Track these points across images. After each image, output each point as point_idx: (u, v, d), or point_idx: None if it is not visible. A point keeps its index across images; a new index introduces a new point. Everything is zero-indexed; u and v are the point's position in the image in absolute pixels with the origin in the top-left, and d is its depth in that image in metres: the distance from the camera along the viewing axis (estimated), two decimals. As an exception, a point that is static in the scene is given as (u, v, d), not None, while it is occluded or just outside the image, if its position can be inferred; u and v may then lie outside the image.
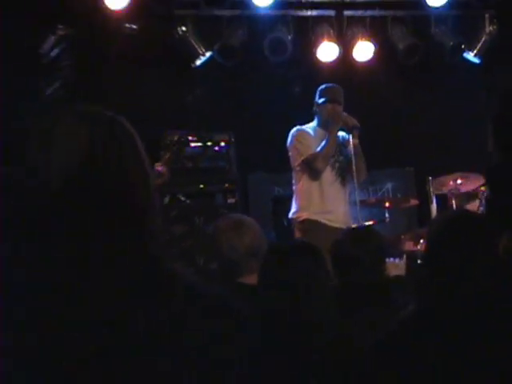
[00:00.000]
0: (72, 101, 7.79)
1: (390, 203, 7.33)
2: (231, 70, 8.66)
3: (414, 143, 8.81)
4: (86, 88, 8.22)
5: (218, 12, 8.48)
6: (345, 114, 6.44)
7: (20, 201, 1.65)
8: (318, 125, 6.53)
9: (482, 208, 7.07)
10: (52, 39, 8.19)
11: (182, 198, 7.68)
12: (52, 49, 8.22)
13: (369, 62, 8.61)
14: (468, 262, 2.67)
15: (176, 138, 7.41)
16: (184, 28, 8.42)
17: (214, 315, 1.64)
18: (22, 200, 1.65)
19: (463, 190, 7.34)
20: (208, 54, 8.52)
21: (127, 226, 1.64)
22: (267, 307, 3.04)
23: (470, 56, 8.67)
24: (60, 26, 8.10)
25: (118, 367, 1.53)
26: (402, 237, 7.30)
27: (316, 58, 8.53)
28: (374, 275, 3.99)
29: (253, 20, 8.56)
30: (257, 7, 8.33)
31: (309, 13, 8.65)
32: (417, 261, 6.78)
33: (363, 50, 8.56)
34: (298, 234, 6.35)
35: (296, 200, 6.48)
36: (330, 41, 8.48)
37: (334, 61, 8.53)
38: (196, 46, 8.51)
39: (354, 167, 6.36)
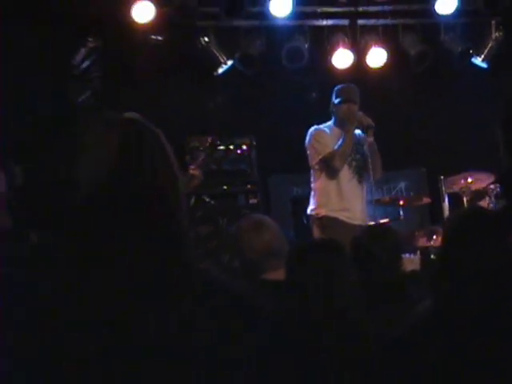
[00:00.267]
0: (101, 108, 7.81)
1: (404, 202, 7.28)
2: (251, 77, 8.65)
3: (426, 145, 8.78)
4: (115, 96, 8.23)
5: (237, 23, 8.47)
6: (360, 113, 6.36)
7: (52, 204, 1.64)
8: (335, 124, 6.45)
9: (491, 205, 7.04)
10: (83, 51, 8.23)
11: (207, 199, 7.67)
12: (83, 60, 8.25)
13: (382, 68, 8.56)
14: (482, 257, 2.62)
15: (209, 141, 7.43)
16: (206, 38, 8.41)
17: (240, 312, 1.61)
18: (54, 204, 1.63)
19: (473, 188, 7.29)
20: (229, 63, 8.50)
21: (156, 228, 1.61)
22: (291, 304, 3.00)
23: (478, 61, 8.60)
24: (90, 39, 8.13)
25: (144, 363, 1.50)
26: (416, 233, 7.26)
27: (331, 65, 8.50)
28: (391, 271, 3.96)
29: (271, 30, 8.54)
30: (275, 18, 8.30)
31: (324, 22, 8.62)
32: (430, 256, 6.74)
33: (376, 57, 8.51)
34: (316, 230, 6.27)
35: (314, 197, 6.40)
36: (344, 48, 8.45)
37: (349, 67, 8.49)
38: (218, 56, 8.49)
39: (369, 165, 6.28)
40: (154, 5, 7.97)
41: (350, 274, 3.27)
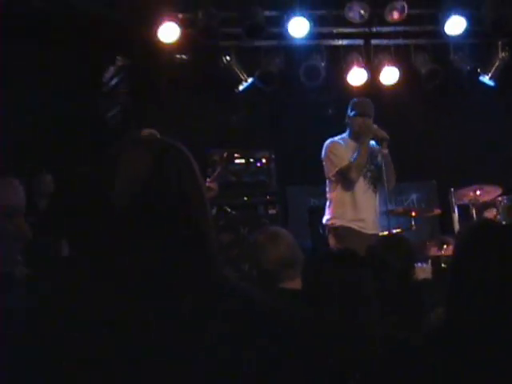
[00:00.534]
0: (129, 123, 7.83)
1: (416, 213, 7.22)
2: (270, 94, 8.66)
3: (437, 158, 8.75)
4: (142, 112, 8.26)
5: (258, 43, 8.47)
6: (375, 126, 6.26)
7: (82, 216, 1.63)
8: (350, 136, 6.34)
9: (499, 216, 7.02)
10: (112, 69, 8.26)
11: (228, 210, 7.65)
12: (112, 78, 8.29)
13: (394, 85, 8.54)
14: (492, 269, 2.56)
15: (224, 156, 7.41)
16: (228, 57, 8.44)
17: (258, 318, 1.59)
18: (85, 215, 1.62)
19: (482, 200, 7.27)
20: (249, 81, 8.50)
21: (186, 241, 1.59)
22: (307, 313, 2.95)
23: (486, 79, 8.56)
24: (119, 58, 8.16)
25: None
26: (427, 243, 7.22)
27: (347, 82, 8.48)
28: (404, 280, 3.91)
29: (289, 49, 8.55)
30: (293, 38, 8.30)
31: (340, 42, 8.62)
32: (441, 265, 6.69)
33: (389, 75, 8.50)
34: (332, 240, 6.18)
35: (330, 207, 6.30)
36: (359, 67, 8.44)
37: (363, 85, 8.47)
38: (239, 74, 8.51)
39: (384, 176, 6.19)
40: (179, 26, 8.00)
41: (365, 283, 3.22)
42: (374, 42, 8.62)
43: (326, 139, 6.49)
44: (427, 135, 8.75)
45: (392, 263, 3.89)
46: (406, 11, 8.13)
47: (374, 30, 8.50)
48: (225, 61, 8.46)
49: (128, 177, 1.60)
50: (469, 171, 8.17)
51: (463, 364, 2.36)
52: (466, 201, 7.35)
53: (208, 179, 6.15)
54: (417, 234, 7.42)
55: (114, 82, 8.43)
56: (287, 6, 8.15)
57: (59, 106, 7.74)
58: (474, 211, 7.18)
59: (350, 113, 6.29)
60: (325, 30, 8.50)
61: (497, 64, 8.54)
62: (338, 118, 6.77)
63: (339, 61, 8.56)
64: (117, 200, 1.57)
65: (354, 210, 6.13)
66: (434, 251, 7.06)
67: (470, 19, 8.21)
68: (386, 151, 6.23)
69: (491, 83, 8.58)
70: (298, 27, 8.16)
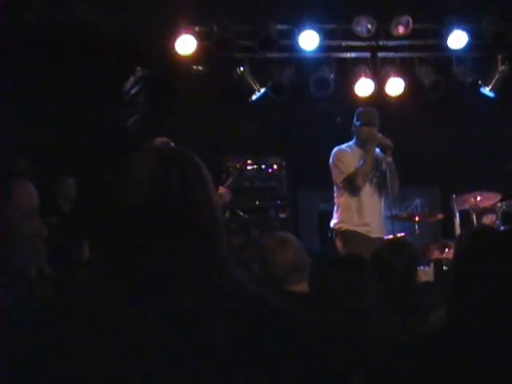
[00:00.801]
0: (147, 130, 7.85)
1: (419, 217, 7.21)
2: (282, 104, 8.64)
3: (439, 166, 8.70)
4: (160, 120, 8.27)
5: (270, 55, 8.45)
6: (380, 134, 6.25)
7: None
8: (356, 144, 6.34)
9: (498, 222, 7.02)
10: (132, 79, 8.28)
11: (241, 213, 7.66)
12: (132, 87, 8.30)
13: (399, 96, 8.52)
14: (491, 274, 2.54)
15: (237, 166, 7.42)
16: (242, 68, 8.43)
17: (266, 318, 1.57)
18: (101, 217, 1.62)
19: (482, 205, 7.26)
20: (262, 91, 8.49)
21: (195, 245, 1.58)
22: (313, 316, 2.94)
23: (486, 91, 8.54)
24: (138, 68, 8.18)
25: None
26: (430, 246, 7.19)
27: (354, 93, 8.46)
28: (408, 282, 3.88)
29: (300, 61, 8.54)
30: (304, 50, 8.30)
31: (348, 55, 8.59)
32: (443, 267, 6.65)
33: (394, 86, 8.47)
34: (338, 243, 6.18)
35: (337, 212, 6.30)
36: (366, 78, 8.42)
37: (370, 95, 8.44)
38: (252, 84, 8.50)
39: (388, 182, 6.17)
40: (196, 38, 8.01)
41: (370, 286, 3.20)
42: (380, 54, 8.60)
43: (335, 146, 6.49)
44: (430, 143, 8.71)
45: (396, 266, 3.86)
46: (410, 26, 8.13)
47: (381, 43, 8.47)
48: (239, 72, 8.46)
49: (135, 180, 1.61)
50: (470, 178, 8.13)
51: (463, 365, 2.34)
52: (466, 206, 7.33)
53: (221, 187, 6.15)
54: (420, 237, 7.39)
55: (133, 91, 8.45)
56: (298, 20, 8.15)
57: (82, 113, 7.77)
58: (474, 216, 7.17)
59: (356, 122, 6.28)
60: (334, 43, 8.49)
61: (497, 77, 8.52)
62: (346, 126, 6.75)
63: (347, 72, 8.53)
64: (128, 202, 1.58)
65: (359, 214, 6.12)
66: (436, 254, 7.03)
67: (471, 34, 8.21)
68: (390, 159, 6.22)
69: (491, 95, 8.56)
70: (309, 40, 8.17)
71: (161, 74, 8.35)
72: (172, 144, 6.14)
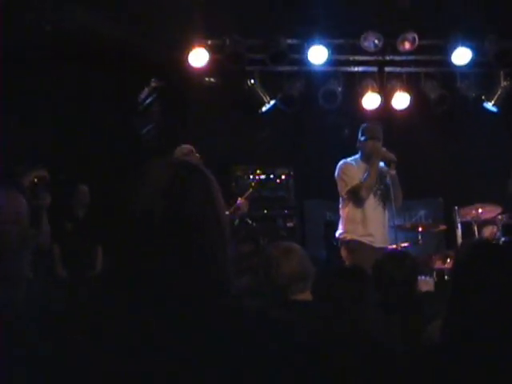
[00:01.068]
0: (161, 140, 7.90)
1: (422, 228, 7.23)
2: (291, 115, 8.67)
3: (444, 178, 8.70)
4: (173, 129, 8.31)
5: (280, 68, 8.49)
6: (384, 149, 6.28)
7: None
8: (361, 158, 6.37)
9: (498, 233, 7.03)
10: (146, 90, 8.32)
11: (249, 221, 7.67)
12: (146, 98, 8.35)
13: (405, 109, 8.54)
14: (488, 286, 2.58)
15: (251, 172, 7.45)
16: (252, 81, 8.46)
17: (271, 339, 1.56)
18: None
19: (483, 217, 7.27)
20: (272, 103, 8.52)
21: (197, 261, 1.57)
22: (317, 325, 2.97)
23: (489, 106, 8.57)
24: (153, 80, 8.23)
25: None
26: (433, 257, 7.19)
27: (361, 106, 8.48)
28: (407, 292, 3.91)
29: (309, 75, 8.56)
30: (313, 64, 8.33)
31: (356, 69, 8.63)
32: (444, 277, 6.66)
33: (401, 100, 8.50)
34: (343, 252, 6.21)
35: (342, 223, 6.34)
36: (373, 92, 8.44)
37: (376, 109, 8.47)
38: (262, 96, 8.52)
39: (392, 194, 6.21)
40: (208, 52, 8.06)
41: (371, 297, 3.23)
42: (387, 69, 8.63)
43: (342, 157, 6.53)
44: (435, 156, 8.72)
45: (396, 276, 3.89)
46: (416, 42, 8.16)
47: (388, 58, 8.51)
48: (250, 84, 8.49)
49: (149, 192, 1.60)
50: (473, 190, 8.13)
51: (460, 376, 2.37)
52: (468, 218, 7.35)
53: (240, 198, 6.20)
54: (424, 247, 7.41)
55: (148, 101, 8.50)
56: (308, 35, 8.19)
57: (98, 123, 7.83)
58: (475, 228, 7.18)
59: (361, 137, 6.32)
60: (342, 57, 8.52)
61: (499, 92, 8.56)
62: (353, 138, 6.79)
63: (355, 86, 8.56)
64: (140, 213, 1.57)
65: (363, 225, 6.16)
66: (438, 264, 7.04)
67: (475, 51, 8.25)
68: (393, 172, 6.25)
69: (494, 109, 8.58)
70: (318, 54, 8.21)
71: (174, 86, 8.39)
72: (195, 151, 6.21)
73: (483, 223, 7.26)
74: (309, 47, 8.19)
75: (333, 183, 6.53)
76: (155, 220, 1.56)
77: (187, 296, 1.53)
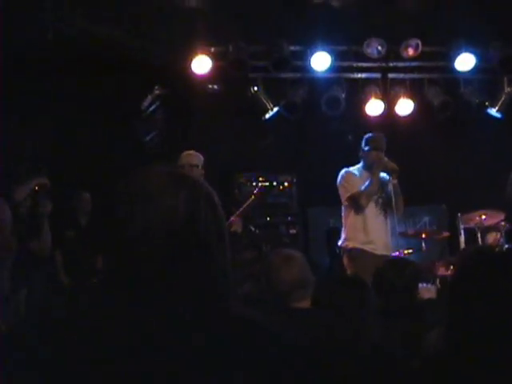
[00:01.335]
0: (164, 147, 7.91)
1: (426, 235, 7.20)
2: (294, 122, 8.67)
3: (447, 184, 8.68)
4: (177, 136, 8.33)
5: (283, 75, 8.49)
6: (386, 159, 6.32)
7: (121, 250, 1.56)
8: (363, 167, 6.43)
9: (501, 239, 7.02)
10: (150, 97, 8.34)
11: (252, 228, 7.67)
12: (150, 105, 8.37)
13: (409, 116, 8.53)
14: (488, 293, 2.56)
15: (254, 179, 7.44)
16: (256, 88, 8.46)
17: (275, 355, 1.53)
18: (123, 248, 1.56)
19: (486, 224, 7.26)
20: (275, 109, 8.52)
21: (207, 273, 1.55)
22: (317, 332, 2.96)
23: (493, 112, 8.56)
24: (156, 87, 8.24)
25: None
26: (436, 263, 7.16)
27: (365, 112, 8.48)
28: (408, 300, 3.90)
29: (312, 81, 8.54)
30: (316, 71, 8.32)
31: (359, 75, 8.62)
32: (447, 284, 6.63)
33: (404, 107, 8.49)
34: (345, 260, 6.25)
35: (344, 231, 6.39)
36: (376, 99, 8.44)
37: (380, 115, 8.46)
38: (265, 103, 8.53)
39: (393, 203, 6.23)
40: (211, 59, 8.06)
41: (372, 304, 3.23)
42: (390, 75, 8.62)
43: (345, 164, 6.55)
44: (439, 162, 8.70)
45: (397, 284, 3.88)
46: (420, 48, 8.15)
47: (391, 64, 8.50)
48: (253, 91, 8.49)
49: (165, 209, 1.51)
50: (477, 197, 8.10)
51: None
52: (472, 224, 7.33)
53: (232, 217, 6.12)
54: (427, 254, 7.38)
55: (151, 108, 8.52)
56: (311, 41, 8.18)
57: (102, 129, 7.84)
58: (479, 234, 7.17)
59: (365, 147, 6.37)
60: (345, 64, 8.51)
61: (503, 98, 8.56)
62: (356, 144, 6.79)
63: (358, 93, 8.56)
64: (153, 230, 1.49)
65: (365, 233, 6.20)
66: (441, 271, 7.01)
67: (478, 57, 8.24)
68: (395, 181, 6.31)
69: (498, 115, 8.58)
70: (321, 61, 8.20)
71: (177, 93, 8.40)
72: (200, 156, 6.18)
73: (486, 230, 7.25)
74: (312, 54, 8.18)
75: (336, 190, 6.54)
76: (157, 239, 1.50)
77: (187, 303, 1.51)
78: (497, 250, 6.37)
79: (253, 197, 6.39)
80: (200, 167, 6.00)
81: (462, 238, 7.44)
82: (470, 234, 7.42)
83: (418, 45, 8.11)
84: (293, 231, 7.97)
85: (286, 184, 8.16)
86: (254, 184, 8.01)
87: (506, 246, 7.00)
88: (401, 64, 8.50)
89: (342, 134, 8.71)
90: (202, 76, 8.18)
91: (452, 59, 8.27)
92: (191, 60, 8.03)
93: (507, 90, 8.53)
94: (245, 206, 6.25)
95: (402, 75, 8.61)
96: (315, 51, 8.17)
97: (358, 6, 7.93)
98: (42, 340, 1.48)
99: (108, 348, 1.45)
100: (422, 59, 8.39)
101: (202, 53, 8.04)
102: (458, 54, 8.18)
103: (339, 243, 6.37)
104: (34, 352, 1.46)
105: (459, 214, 7.50)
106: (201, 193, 1.58)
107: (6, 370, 1.45)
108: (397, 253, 6.44)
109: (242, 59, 8.16)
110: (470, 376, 2.38)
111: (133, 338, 1.45)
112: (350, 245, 6.21)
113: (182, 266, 1.51)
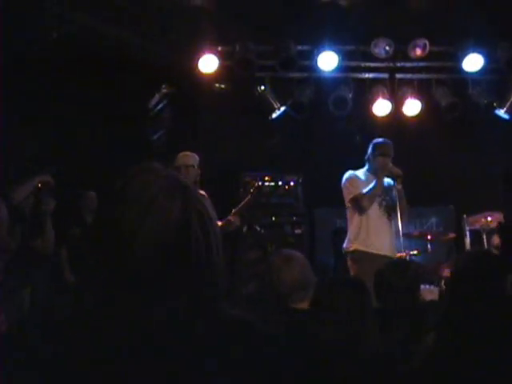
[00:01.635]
0: (172, 145, 7.93)
1: (431, 236, 7.18)
2: (301, 122, 8.67)
3: (455, 185, 8.66)
4: (183, 135, 8.35)
5: (290, 74, 8.49)
6: (391, 165, 6.36)
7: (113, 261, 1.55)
8: (369, 171, 6.46)
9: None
10: (157, 96, 8.37)
11: (257, 228, 7.68)
12: (157, 104, 8.39)
13: (416, 116, 8.49)
14: (482, 294, 2.58)
15: (259, 178, 7.43)
16: (263, 87, 8.46)
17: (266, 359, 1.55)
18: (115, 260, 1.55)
19: (492, 225, 7.24)
20: (282, 109, 8.51)
21: (203, 285, 1.54)
22: (315, 333, 2.97)
23: (501, 113, 8.50)
24: (163, 86, 8.26)
25: None
26: (442, 265, 7.15)
27: (372, 112, 8.46)
28: (408, 301, 3.89)
29: (319, 81, 8.53)
30: (323, 71, 8.31)
31: (366, 75, 8.59)
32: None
33: (411, 107, 8.45)
34: (349, 262, 6.28)
35: (348, 233, 6.44)
36: (383, 99, 8.41)
37: (387, 115, 8.43)
38: (272, 102, 8.52)
39: (398, 208, 6.27)
40: (218, 58, 8.08)
41: (370, 308, 3.22)
42: (398, 75, 8.59)
43: (352, 164, 6.57)
44: (446, 163, 8.68)
45: (397, 286, 3.87)
46: (427, 48, 8.13)
47: (398, 64, 8.47)
48: (260, 90, 8.49)
49: (160, 220, 1.51)
50: (484, 198, 8.09)
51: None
52: (477, 226, 7.33)
53: (230, 216, 6.17)
54: (433, 256, 7.37)
55: (158, 107, 8.54)
56: (318, 41, 8.18)
57: (109, 128, 7.87)
58: (484, 236, 7.16)
59: (372, 152, 6.38)
60: (352, 63, 8.50)
61: (511, 99, 8.48)
62: (363, 144, 6.79)
63: (365, 92, 8.54)
64: (147, 242, 1.49)
65: (368, 234, 6.24)
66: (447, 273, 6.99)
67: (486, 57, 8.19)
68: (399, 187, 6.34)
69: (506, 116, 8.50)
70: (328, 61, 8.19)
71: (185, 92, 8.43)
72: (196, 156, 6.23)
73: (492, 231, 7.22)
74: (319, 53, 8.17)
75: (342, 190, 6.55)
76: (150, 245, 1.50)
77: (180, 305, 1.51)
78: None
79: (249, 196, 6.45)
80: (196, 167, 6.14)
81: (468, 240, 7.42)
82: (476, 235, 7.41)
83: (425, 45, 8.09)
84: (298, 231, 7.97)
85: (291, 184, 8.15)
86: (261, 184, 8.00)
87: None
88: (408, 64, 8.47)
89: (349, 134, 8.70)
90: (209, 75, 8.19)
91: (460, 59, 8.23)
92: (198, 59, 8.04)
93: (516, 90, 8.46)
94: (241, 204, 6.33)
95: (409, 75, 8.58)
96: (322, 51, 8.16)
97: (365, 5, 7.91)
98: (43, 340, 1.50)
99: (108, 348, 1.46)
100: (429, 59, 8.36)
101: (209, 52, 8.06)
102: (466, 55, 8.14)
103: (344, 245, 6.40)
104: (35, 351, 1.47)
105: (465, 216, 7.48)
106: (193, 201, 1.57)
107: (6, 369, 1.46)
108: (402, 254, 6.44)
109: (249, 58, 8.16)
110: (467, 377, 2.39)
111: (133, 338, 1.46)
112: (354, 246, 6.25)
113: (173, 270, 1.51)
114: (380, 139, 6.49)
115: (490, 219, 7.17)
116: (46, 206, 4.99)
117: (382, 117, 8.43)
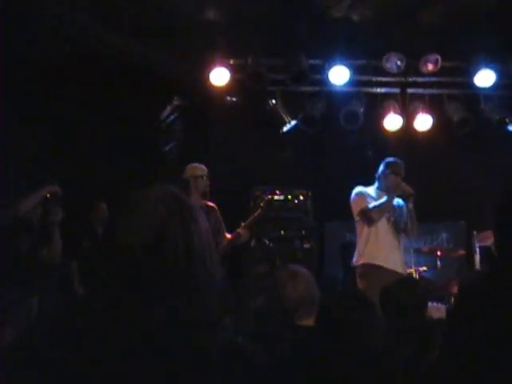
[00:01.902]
0: (183, 157, 7.94)
1: (441, 253, 7.16)
2: (312, 135, 8.64)
3: (466, 201, 8.61)
4: (195, 147, 8.36)
5: (302, 88, 8.48)
6: (403, 183, 6.36)
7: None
8: (379, 188, 6.48)
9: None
10: (169, 108, 8.40)
11: (266, 242, 7.67)
12: (169, 115, 8.43)
13: (427, 131, 8.45)
14: (485, 317, 2.55)
15: (269, 193, 7.43)
16: (274, 101, 8.46)
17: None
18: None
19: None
20: (293, 123, 8.51)
21: (184, 289, 1.58)
22: (321, 350, 2.95)
23: (514, 129, 8.45)
24: (175, 98, 8.29)
25: None
26: (452, 281, 7.12)
27: (383, 127, 8.43)
28: (416, 320, 3.86)
29: (331, 95, 8.52)
30: (334, 85, 8.30)
31: (378, 90, 8.58)
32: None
33: (423, 122, 8.41)
34: (358, 277, 6.29)
35: (357, 247, 6.45)
36: (395, 113, 8.38)
37: (398, 130, 8.41)
38: (284, 116, 8.51)
39: (409, 227, 6.28)
40: (230, 71, 8.09)
41: (376, 323, 3.20)
42: (409, 90, 8.56)
43: (363, 178, 6.56)
44: (457, 179, 8.65)
45: (404, 303, 3.85)
46: (439, 63, 8.09)
47: (410, 79, 8.45)
48: (271, 104, 8.49)
49: (142, 224, 1.59)
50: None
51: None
52: (488, 243, 7.27)
53: (239, 229, 6.19)
54: (443, 272, 7.37)
55: (170, 119, 8.58)
56: (329, 55, 8.17)
57: (122, 140, 7.89)
58: (495, 253, 7.09)
59: (385, 170, 6.39)
60: (364, 78, 8.49)
61: (523, 115, 8.44)
62: (374, 159, 6.78)
63: (377, 107, 8.52)
64: (132, 244, 1.57)
65: (376, 249, 6.24)
66: (456, 290, 6.97)
67: (498, 73, 8.15)
68: (411, 206, 6.35)
69: (519, 133, 8.47)
70: (339, 75, 8.18)
71: (196, 104, 8.45)
72: (204, 167, 6.25)
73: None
74: (330, 68, 8.16)
75: (352, 204, 6.54)
76: (134, 251, 1.56)
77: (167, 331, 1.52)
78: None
79: (259, 210, 6.46)
80: (204, 178, 6.16)
81: (477, 257, 7.38)
82: (486, 252, 7.37)
83: (437, 60, 8.07)
84: (307, 245, 7.95)
85: (301, 198, 8.14)
86: (271, 197, 8.00)
87: None
88: (420, 79, 8.44)
89: (360, 148, 8.69)
90: (221, 88, 8.20)
91: (472, 75, 8.20)
92: (210, 72, 8.05)
93: (528, 107, 8.42)
94: (251, 218, 6.35)
95: (421, 90, 8.55)
96: (334, 65, 8.15)
97: (377, 20, 7.90)
98: (51, 348, 1.53)
99: (108, 348, 1.48)
100: (441, 74, 8.33)
101: (221, 65, 8.07)
102: (478, 70, 8.10)
103: (353, 259, 6.39)
104: (41, 358, 1.51)
105: (475, 232, 7.45)
106: (177, 211, 1.63)
107: (13, 376, 1.50)
108: (412, 270, 6.43)
109: (260, 72, 8.17)
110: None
111: (133, 338, 1.49)
112: (362, 260, 6.26)
113: (160, 276, 1.55)
114: (392, 158, 6.50)
115: (500, 236, 7.12)
116: (54, 216, 5.02)
117: (394, 132, 8.41)
